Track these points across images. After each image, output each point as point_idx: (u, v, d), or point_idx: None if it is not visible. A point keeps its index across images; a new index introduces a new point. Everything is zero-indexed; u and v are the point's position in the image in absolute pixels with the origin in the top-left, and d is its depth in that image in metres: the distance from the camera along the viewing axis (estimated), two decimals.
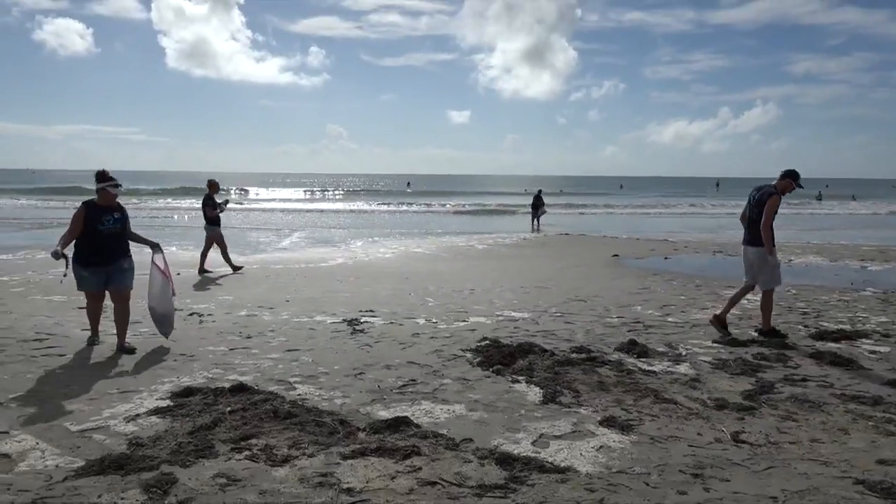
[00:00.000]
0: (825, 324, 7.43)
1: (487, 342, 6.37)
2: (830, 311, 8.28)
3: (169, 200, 43.47)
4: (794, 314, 8.01)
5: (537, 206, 25.29)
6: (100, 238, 5.90)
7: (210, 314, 7.78)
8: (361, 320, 7.50)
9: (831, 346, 6.42)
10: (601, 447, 3.87)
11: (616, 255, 14.95)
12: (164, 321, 6.29)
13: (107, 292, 6.15)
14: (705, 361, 5.81)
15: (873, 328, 7.24)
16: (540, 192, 26.40)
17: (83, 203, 6.01)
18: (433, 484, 3.36)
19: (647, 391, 4.89)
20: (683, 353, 6.12)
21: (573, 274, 11.96)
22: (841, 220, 33.18)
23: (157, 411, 4.44)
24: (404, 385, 5.08)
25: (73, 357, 5.82)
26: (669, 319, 7.72)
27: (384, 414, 4.40)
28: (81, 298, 7.49)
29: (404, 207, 41.50)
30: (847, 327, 7.24)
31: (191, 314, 7.72)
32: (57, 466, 3.57)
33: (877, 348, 6.35)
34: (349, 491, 3.28)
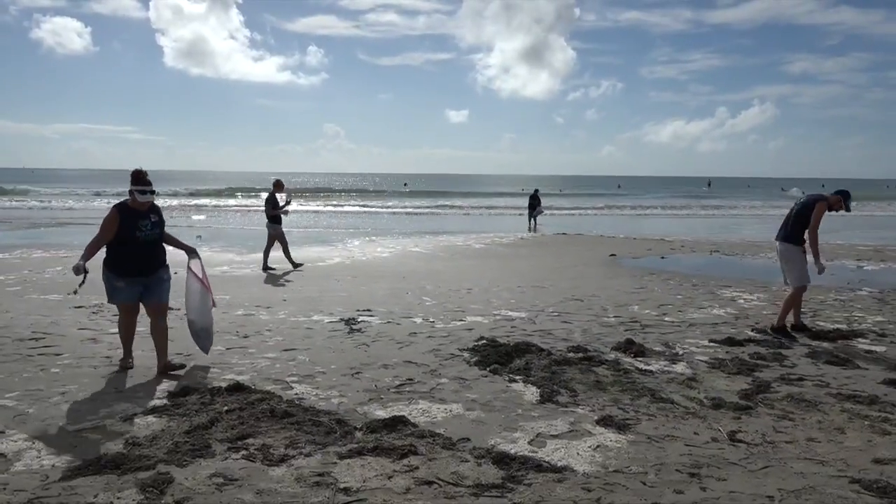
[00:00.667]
0: (822, 323, 7.45)
1: (484, 341, 6.37)
2: (827, 310, 8.31)
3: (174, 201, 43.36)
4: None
5: (534, 206, 25.21)
6: (137, 245, 5.21)
7: None
8: (358, 320, 7.49)
9: (827, 345, 6.44)
10: (598, 446, 3.87)
11: (613, 255, 14.96)
12: (203, 335, 5.71)
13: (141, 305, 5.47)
14: (702, 361, 5.82)
15: (869, 327, 7.26)
16: (536, 191, 26.22)
17: (115, 207, 5.28)
18: (430, 483, 3.36)
19: (643, 390, 4.89)
20: (680, 352, 6.13)
21: (570, 273, 11.97)
22: (839, 219, 33.15)
23: (153, 410, 4.43)
24: (401, 384, 5.08)
25: (69, 356, 5.80)
26: (666, 319, 7.73)
27: (381, 413, 4.40)
28: (80, 299, 7.50)
29: (402, 207, 41.45)
30: (843, 327, 7.26)
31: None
32: (53, 466, 3.56)
33: (873, 348, 6.37)
34: (346, 490, 3.28)
